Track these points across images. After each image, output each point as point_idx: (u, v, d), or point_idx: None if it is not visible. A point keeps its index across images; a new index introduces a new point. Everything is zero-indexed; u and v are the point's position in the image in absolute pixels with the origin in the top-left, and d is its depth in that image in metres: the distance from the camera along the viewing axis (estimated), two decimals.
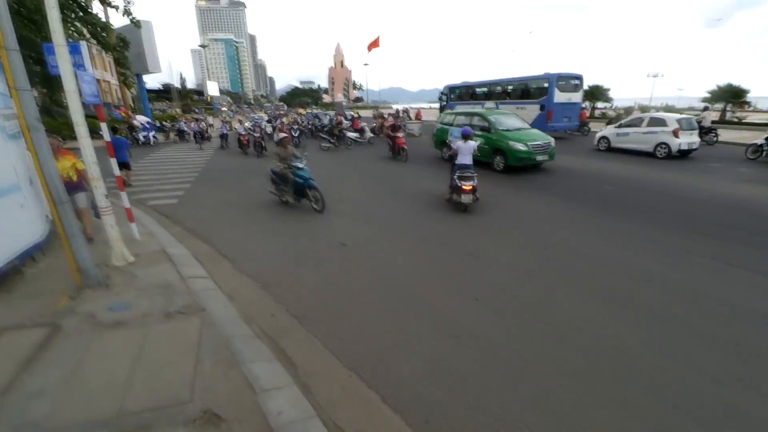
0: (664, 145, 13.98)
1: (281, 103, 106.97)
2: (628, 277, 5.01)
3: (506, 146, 11.41)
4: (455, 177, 7.80)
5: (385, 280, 4.97)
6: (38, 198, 5.15)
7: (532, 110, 19.76)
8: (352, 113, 26.52)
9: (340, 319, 4.08)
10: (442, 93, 30.04)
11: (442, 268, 5.36)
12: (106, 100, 38.25)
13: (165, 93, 73.42)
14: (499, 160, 11.75)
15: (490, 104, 22.97)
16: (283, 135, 8.30)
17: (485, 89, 24.88)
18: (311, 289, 4.78)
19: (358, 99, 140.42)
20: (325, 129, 21.58)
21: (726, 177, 10.78)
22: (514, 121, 12.77)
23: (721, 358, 3.40)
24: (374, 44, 49.35)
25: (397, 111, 32.85)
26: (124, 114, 25.37)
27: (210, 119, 36.76)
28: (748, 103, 35.61)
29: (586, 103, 45.46)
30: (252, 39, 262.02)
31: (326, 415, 2.76)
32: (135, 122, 23.06)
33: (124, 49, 11.71)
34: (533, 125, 14.67)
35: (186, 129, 23.15)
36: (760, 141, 13.67)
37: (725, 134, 18.76)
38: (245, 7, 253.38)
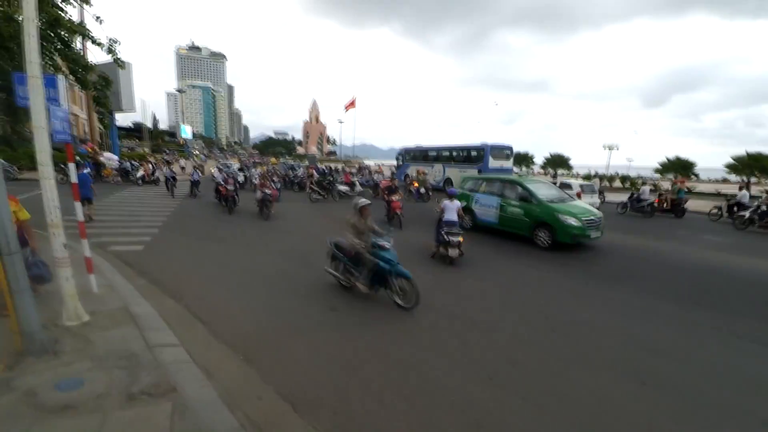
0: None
1: (256, 151, 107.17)
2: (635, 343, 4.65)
3: (555, 220, 9.77)
4: (443, 232, 8.37)
5: (387, 353, 4.38)
6: None
7: (471, 173, 21.68)
8: (343, 166, 29.03)
9: (342, 404, 3.43)
10: (398, 154, 32.49)
11: (447, 339, 4.83)
12: (72, 133, 36.71)
13: (136, 131, 71.90)
14: (545, 235, 10.01)
15: (438, 166, 26.11)
16: (364, 202, 6.05)
17: (435, 153, 27.58)
18: (302, 363, 4.11)
19: (332, 153, 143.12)
20: (297, 181, 23.58)
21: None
22: (554, 191, 11.48)
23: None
24: (351, 105, 51.70)
25: (367, 167, 34.10)
26: (90, 149, 24.21)
27: (182, 161, 35.83)
28: (696, 175, 38.59)
29: (547, 169, 47.92)
30: (230, 89, 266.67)
31: None
32: (102, 159, 21.98)
33: (106, 88, 11.11)
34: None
35: (159, 176, 20.78)
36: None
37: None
38: (226, 59, 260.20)
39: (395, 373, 3.97)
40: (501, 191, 11.47)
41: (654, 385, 3.95)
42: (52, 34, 8.59)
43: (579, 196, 16.38)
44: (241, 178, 21.10)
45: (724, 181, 42.19)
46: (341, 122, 69.48)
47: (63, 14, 8.72)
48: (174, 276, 6.65)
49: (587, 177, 39.64)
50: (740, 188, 17.80)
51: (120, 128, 47.34)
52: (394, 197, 12.97)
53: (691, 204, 19.31)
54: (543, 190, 11.09)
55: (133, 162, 28.12)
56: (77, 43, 9.19)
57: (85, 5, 9.36)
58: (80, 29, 8.90)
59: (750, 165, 27.67)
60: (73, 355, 3.73)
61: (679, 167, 35.77)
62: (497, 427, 3.23)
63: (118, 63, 10.17)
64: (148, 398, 3.19)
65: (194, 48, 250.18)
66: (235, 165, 31.72)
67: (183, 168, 28.54)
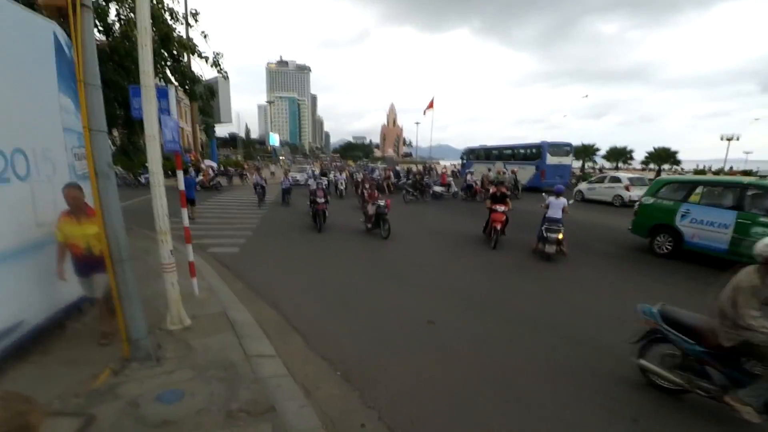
0: (618, 197, 17.93)
1: (337, 155, 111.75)
2: None
3: None
4: (543, 228, 8.52)
5: (496, 379, 3.83)
6: None
7: (530, 170, 23.75)
8: (443, 167, 29.53)
9: None
10: (463, 154, 34.36)
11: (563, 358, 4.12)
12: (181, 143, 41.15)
13: (231, 141, 78.75)
14: None
15: (499, 164, 26.47)
16: None
17: (496, 152, 29.01)
18: (406, 387, 3.73)
19: (407, 154, 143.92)
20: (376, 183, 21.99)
21: None
22: None
23: None
24: (430, 106, 51.27)
25: (432, 167, 33.45)
26: (194, 158, 26.70)
27: (272, 167, 38.19)
28: None
29: (649, 165, 42.98)
30: (314, 98, 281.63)
31: None
32: (203, 166, 24.08)
33: (210, 99, 12.01)
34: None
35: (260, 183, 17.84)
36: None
37: None
38: (310, 71, 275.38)
39: (516, 408, 3.40)
40: (738, 202, 7.65)
41: None
42: (163, 50, 9.39)
43: (627, 189, 17.45)
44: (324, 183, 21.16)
45: None
46: (417, 124, 69.45)
47: (173, 31, 9.49)
48: (269, 281, 6.70)
49: (700, 173, 34.93)
50: None
51: (218, 138, 52.05)
52: (500, 207, 9.57)
53: None
54: None
55: (228, 168, 30.62)
56: (185, 57, 9.96)
57: (192, 22, 10.12)
58: (188, 44, 9.63)
59: None
60: (174, 362, 3.74)
61: None
62: None
63: (223, 75, 10.88)
64: (247, 417, 3.01)
65: (282, 63, 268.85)
66: (308, 169, 30.72)
67: (273, 173, 30.27)
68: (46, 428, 0.81)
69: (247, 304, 5.47)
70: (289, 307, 5.54)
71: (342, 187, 20.68)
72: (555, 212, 8.60)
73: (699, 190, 8.53)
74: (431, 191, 19.78)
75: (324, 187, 12.98)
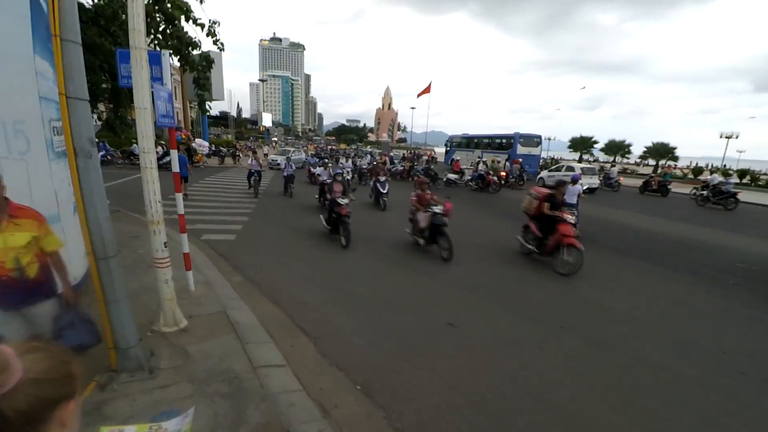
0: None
1: (332, 137, 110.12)
2: None
3: None
4: None
5: (547, 397, 3.39)
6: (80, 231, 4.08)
7: (502, 158, 25.67)
8: (455, 157, 28.25)
9: None
10: (446, 141, 38.51)
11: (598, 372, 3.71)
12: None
13: (222, 120, 76.88)
14: None
15: (477, 152, 29.67)
16: None
17: (475, 141, 32.27)
18: (437, 403, 3.28)
19: (402, 140, 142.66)
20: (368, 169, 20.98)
21: None
22: None
23: None
24: (426, 90, 50.28)
25: (418, 155, 33.03)
26: (184, 136, 25.77)
27: (265, 148, 37.21)
28: None
29: (649, 160, 42.91)
30: (307, 78, 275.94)
31: None
32: (194, 145, 23.18)
33: (207, 69, 11.13)
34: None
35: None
36: None
37: None
38: (304, 49, 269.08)
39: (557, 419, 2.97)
40: None
41: None
42: (157, 12, 8.48)
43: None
44: (348, 170, 18.40)
45: None
46: (413, 109, 68.08)
47: None
48: (269, 274, 6.18)
49: (697, 171, 34.96)
50: None
51: (209, 116, 50.59)
52: (568, 217, 6.99)
53: None
54: None
55: (220, 148, 29.69)
56: (180, 21, 9.06)
57: None
58: (184, 5, 8.71)
59: None
60: (171, 374, 3.23)
61: None
62: None
63: (218, 46, 10.04)
64: None
65: (275, 39, 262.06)
66: (298, 153, 28.43)
67: (266, 155, 29.40)
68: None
69: (247, 301, 4.94)
70: (293, 304, 5.03)
71: (349, 177, 17.43)
72: (571, 198, 9.11)
73: None
74: (444, 179, 19.82)
75: (345, 179, 10.97)
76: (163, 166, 18.34)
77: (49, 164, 3.83)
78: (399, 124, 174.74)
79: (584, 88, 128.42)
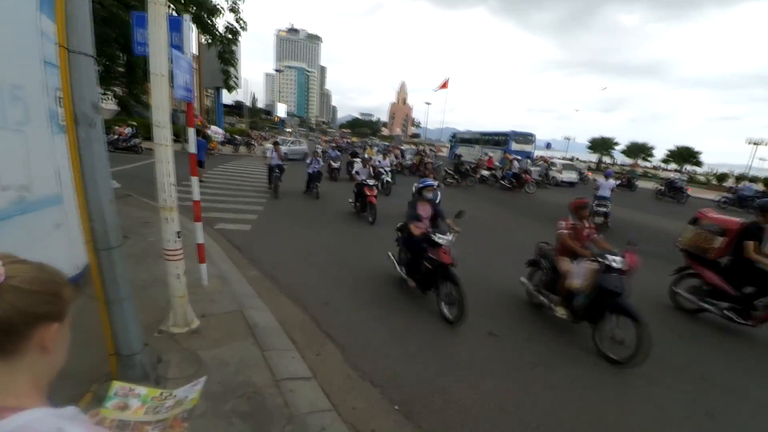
0: (553, 177, 23.43)
1: (349, 131, 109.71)
2: None
3: None
4: (594, 204, 10.50)
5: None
6: None
7: (498, 154, 27.20)
8: (487, 153, 27.30)
9: None
10: (450, 137, 40.81)
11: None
12: (183, 110, 39.92)
13: (236, 109, 76.73)
14: None
15: (477, 148, 31.59)
16: None
17: (476, 137, 34.06)
18: (487, 428, 2.79)
19: (415, 135, 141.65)
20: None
21: None
22: None
23: None
24: (443, 86, 49.46)
25: (423, 149, 31.03)
26: (200, 123, 25.54)
27: (279, 139, 36.92)
28: None
29: (672, 165, 41.70)
30: (322, 70, 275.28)
31: None
32: (209, 132, 22.87)
33: (233, 42, 10.46)
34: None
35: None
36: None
37: None
38: (321, 41, 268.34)
39: None
40: None
41: None
42: None
43: (560, 172, 23.51)
44: (338, 165, 16.85)
45: None
46: (428, 104, 66.93)
47: None
48: (288, 270, 5.71)
49: (721, 177, 33.95)
50: None
51: (223, 105, 50.31)
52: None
53: None
54: None
55: (235, 137, 29.49)
56: None
57: None
58: None
59: None
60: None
61: None
62: None
63: (241, 24, 9.47)
64: None
65: (293, 30, 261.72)
66: (297, 144, 25.61)
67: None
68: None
69: (265, 299, 4.47)
70: (315, 305, 4.55)
71: (389, 179, 13.71)
72: (604, 191, 11.06)
73: None
74: (478, 176, 20.00)
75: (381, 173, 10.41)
76: (132, 149, 17.25)
77: (51, 138, 3.40)
78: (413, 119, 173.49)
79: (605, 88, 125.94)
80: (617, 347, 3.78)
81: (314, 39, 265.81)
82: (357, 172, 10.24)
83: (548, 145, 36.62)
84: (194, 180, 4.02)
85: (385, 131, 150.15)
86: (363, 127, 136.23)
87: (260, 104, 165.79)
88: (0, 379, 0.65)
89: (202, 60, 29.90)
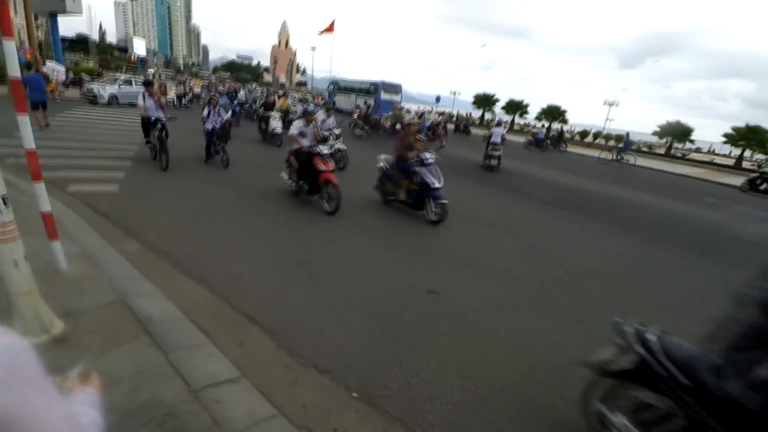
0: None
1: (227, 73, 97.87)
2: None
3: None
4: (489, 149, 12.65)
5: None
6: None
7: (370, 102, 27.30)
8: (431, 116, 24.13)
9: None
10: (329, 84, 41.71)
11: None
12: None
13: (80, 44, 62.92)
14: None
15: (352, 96, 33.81)
16: None
17: (351, 86, 36.23)
18: (457, 399, 2.50)
19: (302, 83, 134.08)
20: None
21: None
22: None
23: None
24: (328, 29, 46.83)
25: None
26: (30, 57, 19.98)
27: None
28: (692, 141, 37.73)
29: (543, 122, 46.27)
30: (187, 1, 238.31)
31: None
32: (44, 70, 18.07)
33: None
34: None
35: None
36: None
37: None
38: None
39: None
40: None
41: None
42: None
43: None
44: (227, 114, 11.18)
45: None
46: (314, 49, 62.63)
47: None
48: (181, 237, 4.64)
49: (583, 134, 39.22)
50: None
51: (63, 38, 40.31)
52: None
53: None
54: None
55: (82, 76, 24.18)
56: None
57: None
58: None
59: (747, 137, 27.34)
60: None
61: (679, 133, 34.92)
62: None
63: None
64: None
65: None
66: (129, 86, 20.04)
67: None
68: None
69: (155, 280, 3.44)
70: (225, 279, 3.71)
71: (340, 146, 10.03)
72: (496, 138, 12.60)
73: None
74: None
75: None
76: None
77: None
78: (298, 65, 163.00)
79: (485, 45, 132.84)
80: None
81: None
82: (301, 134, 6.63)
83: (438, 99, 37.33)
84: (23, 120, 2.70)
85: (267, 76, 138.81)
86: (242, 71, 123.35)
87: (111, 38, 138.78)
88: None
89: None
